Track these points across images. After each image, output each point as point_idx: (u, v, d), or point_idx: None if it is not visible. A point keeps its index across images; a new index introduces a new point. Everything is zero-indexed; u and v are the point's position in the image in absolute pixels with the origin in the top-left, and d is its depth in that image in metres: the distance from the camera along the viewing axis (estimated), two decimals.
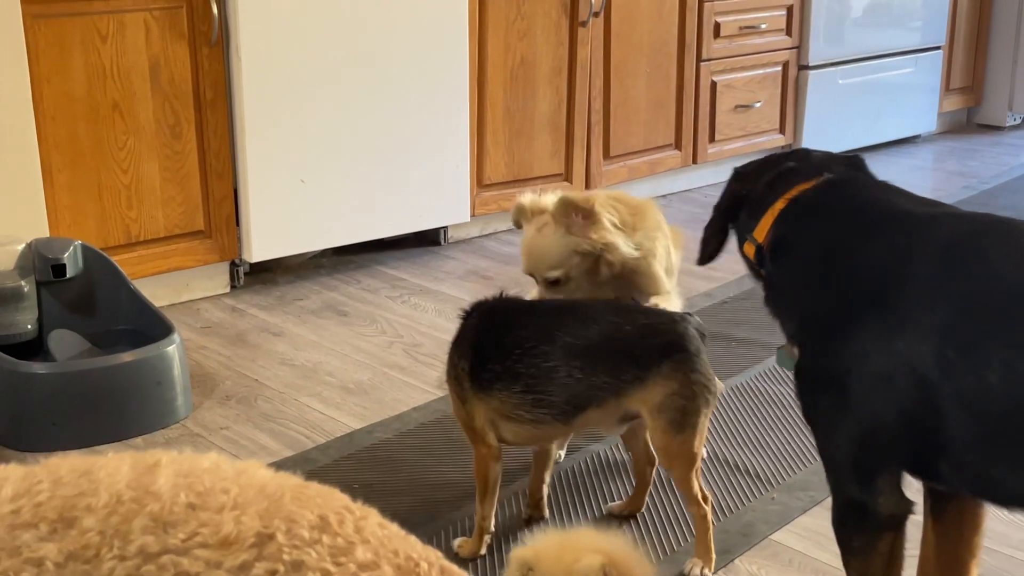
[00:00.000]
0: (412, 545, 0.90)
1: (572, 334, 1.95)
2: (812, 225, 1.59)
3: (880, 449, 1.48)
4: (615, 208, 2.19)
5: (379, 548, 0.87)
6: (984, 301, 1.39)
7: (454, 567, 0.92)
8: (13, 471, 0.89)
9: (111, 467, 0.88)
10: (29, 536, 0.81)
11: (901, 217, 1.53)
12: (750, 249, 1.65)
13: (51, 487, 0.85)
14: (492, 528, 2.09)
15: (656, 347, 1.94)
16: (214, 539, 0.83)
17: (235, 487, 0.87)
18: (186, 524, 0.83)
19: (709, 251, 1.79)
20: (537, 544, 1.45)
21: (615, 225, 2.15)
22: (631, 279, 2.20)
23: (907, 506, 1.52)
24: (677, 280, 2.38)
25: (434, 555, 0.91)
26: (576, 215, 2.12)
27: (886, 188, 1.62)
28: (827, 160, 1.70)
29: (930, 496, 1.65)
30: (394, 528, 0.92)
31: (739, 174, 1.75)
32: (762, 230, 1.62)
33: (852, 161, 1.71)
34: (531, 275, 2.21)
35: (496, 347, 1.98)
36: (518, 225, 2.27)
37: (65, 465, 0.89)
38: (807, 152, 1.74)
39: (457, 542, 2.10)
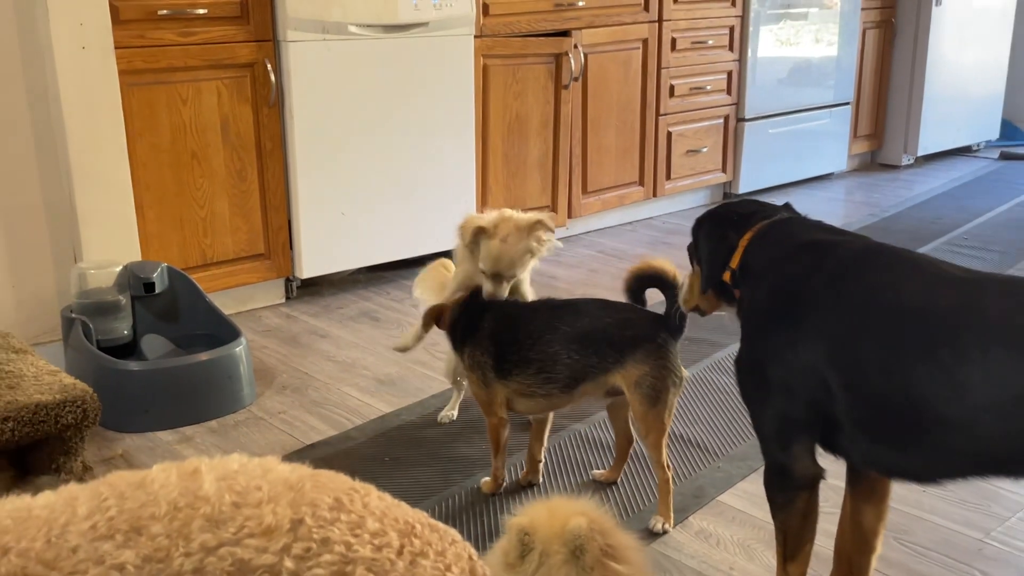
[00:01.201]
0: (405, 511, 0.92)
1: (569, 325, 2.01)
2: (761, 251, 1.63)
3: (793, 424, 1.51)
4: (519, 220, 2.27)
5: (383, 518, 0.88)
6: (862, 311, 1.42)
7: (439, 523, 0.94)
8: (80, 491, 0.88)
9: (161, 479, 0.87)
10: (109, 546, 0.81)
11: (811, 245, 1.57)
12: (727, 275, 1.66)
13: (117, 502, 0.85)
14: (505, 476, 2.17)
15: (631, 337, 1.98)
16: (259, 529, 0.83)
17: (265, 483, 0.88)
18: (234, 520, 0.84)
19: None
20: (529, 512, 1.45)
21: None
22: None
23: (818, 470, 1.55)
24: None
25: (423, 516, 0.93)
26: (541, 230, 2.20)
27: (813, 225, 1.65)
28: (772, 206, 1.74)
29: (848, 471, 1.66)
30: (388, 499, 0.93)
31: (706, 224, 1.77)
32: (736, 258, 1.64)
33: (788, 206, 1.75)
34: (496, 274, 2.18)
35: (511, 342, 2.04)
36: (473, 239, 2.21)
37: (122, 481, 0.88)
38: (758, 202, 1.77)
39: (483, 481, 2.19)
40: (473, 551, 0.93)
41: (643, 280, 2.08)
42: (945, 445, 1.33)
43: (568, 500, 1.47)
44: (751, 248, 1.62)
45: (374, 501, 0.90)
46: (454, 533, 0.94)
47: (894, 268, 1.45)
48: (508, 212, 2.23)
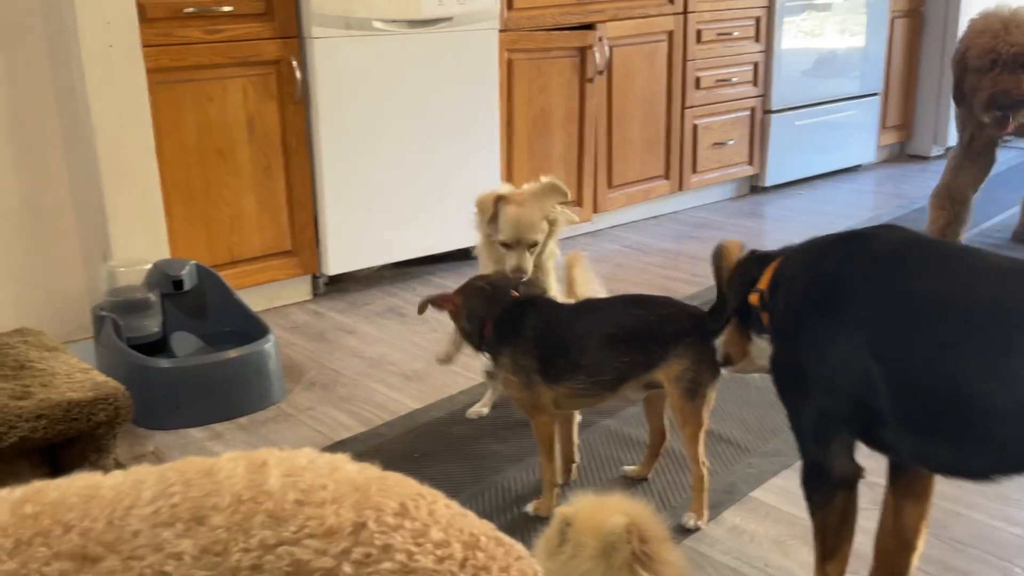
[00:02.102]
0: (471, 522, 0.89)
1: (615, 326, 1.99)
2: (792, 265, 1.60)
3: (833, 422, 1.49)
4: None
5: (448, 527, 0.85)
6: (906, 300, 1.40)
7: (505, 537, 0.90)
8: (148, 474, 0.87)
9: (228, 469, 0.86)
10: (169, 533, 0.80)
11: (846, 237, 1.56)
12: (755, 297, 1.63)
13: (183, 489, 0.84)
14: (559, 481, 2.10)
15: (672, 332, 1.97)
16: (320, 530, 0.81)
17: (331, 483, 0.86)
18: (295, 518, 0.82)
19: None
20: (578, 503, 1.44)
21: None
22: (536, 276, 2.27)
23: (857, 469, 1.53)
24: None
25: (489, 528, 0.90)
26: (555, 192, 2.21)
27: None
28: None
29: (890, 468, 1.64)
30: (456, 507, 0.90)
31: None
32: (764, 280, 1.62)
33: None
34: (516, 243, 2.19)
35: (558, 347, 1.99)
36: (491, 212, 2.22)
37: (191, 468, 0.87)
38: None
39: (531, 507, 2.08)
40: (539, 568, 0.90)
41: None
42: (999, 440, 1.30)
43: (622, 499, 1.45)
44: (781, 265, 1.60)
45: (440, 509, 0.87)
46: (520, 548, 0.90)
47: (936, 256, 1.42)
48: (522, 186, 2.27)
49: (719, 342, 1.83)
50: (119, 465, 2.12)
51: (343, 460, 0.91)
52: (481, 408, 2.53)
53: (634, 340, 1.97)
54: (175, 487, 0.83)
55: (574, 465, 2.20)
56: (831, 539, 1.57)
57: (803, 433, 1.55)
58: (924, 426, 1.38)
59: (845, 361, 1.43)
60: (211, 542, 0.80)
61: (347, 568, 0.79)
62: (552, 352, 1.98)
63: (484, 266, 2.32)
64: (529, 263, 2.18)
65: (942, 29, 5.41)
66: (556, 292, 2.31)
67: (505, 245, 2.19)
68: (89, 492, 0.83)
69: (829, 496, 1.54)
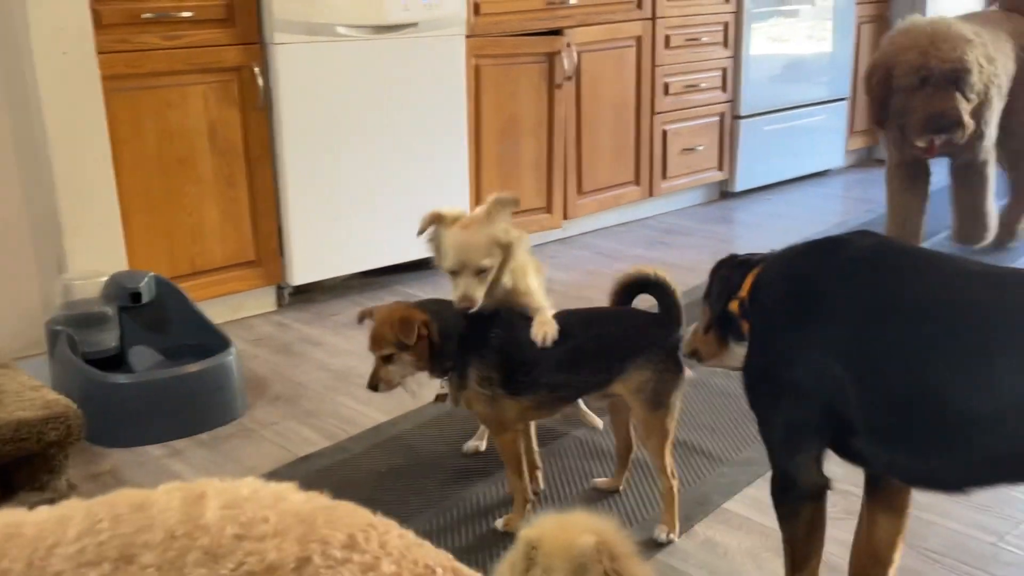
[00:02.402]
0: (427, 553, 0.83)
1: (575, 345, 1.93)
2: (769, 273, 1.57)
3: (803, 431, 1.46)
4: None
5: (400, 559, 0.80)
6: (881, 307, 1.36)
7: (464, 568, 0.85)
8: (76, 509, 0.80)
9: (163, 502, 0.80)
10: (94, 574, 0.74)
11: (821, 243, 1.52)
12: (735, 305, 1.60)
13: (111, 525, 0.77)
14: (531, 495, 2.04)
15: (631, 345, 1.93)
16: (260, 567, 0.75)
17: (274, 514, 0.80)
18: (234, 555, 0.76)
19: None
20: (542, 524, 1.38)
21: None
22: (514, 295, 2.02)
23: (824, 480, 1.50)
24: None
25: (445, 559, 0.84)
26: (504, 209, 1.96)
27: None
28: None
29: (866, 480, 1.61)
30: (411, 537, 0.84)
31: (721, 267, 1.70)
32: (745, 288, 1.58)
33: None
34: (460, 269, 1.94)
35: (520, 360, 1.92)
36: (423, 229, 2.02)
37: (122, 501, 0.80)
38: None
39: (501, 522, 2.02)
40: None
41: (631, 289, 2.03)
42: (974, 449, 1.27)
43: (586, 517, 1.40)
44: (763, 272, 1.57)
45: (393, 540, 0.82)
46: None
47: (910, 263, 1.39)
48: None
49: (685, 340, 1.80)
50: (72, 486, 2.05)
51: (289, 490, 0.85)
52: (477, 443, 2.36)
53: (593, 357, 1.93)
54: (103, 523, 0.77)
55: (538, 472, 2.15)
56: (800, 551, 1.55)
57: (773, 442, 1.52)
58: (896, 436, 1.35)
59: (816, 369, 1.40)
60: None
61: None
62: (515, 365, 1.93)
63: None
64: (478, 291, 1.93)
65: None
66: (546, 309, 2.05)
67: (452, 272, 1.96)
68: (10, 531, 0.77)
69: (796, 507, 1.52)
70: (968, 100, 3.09)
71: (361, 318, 2.01)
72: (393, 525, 0.84)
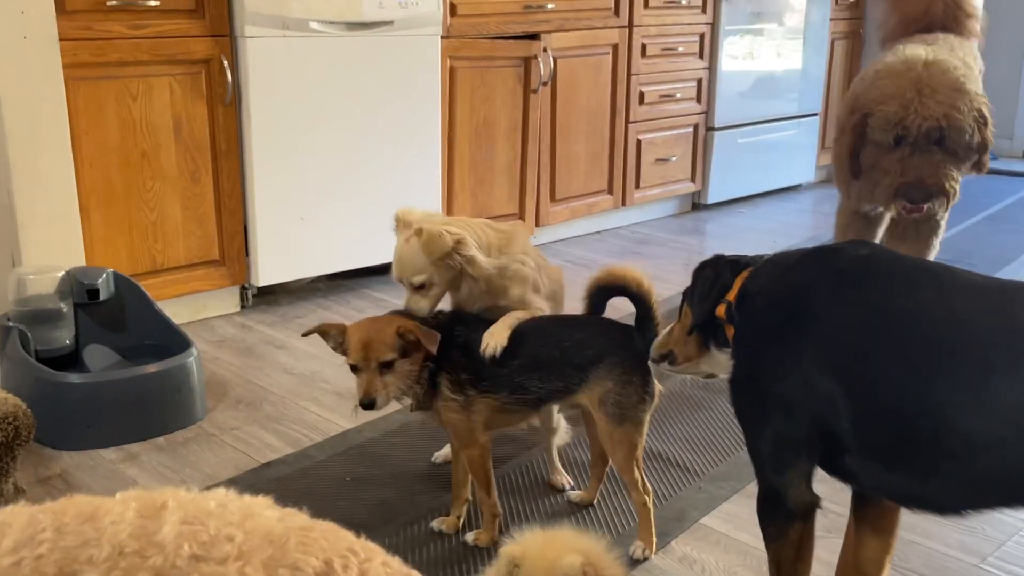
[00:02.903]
0: None
1: (532, 352, 1.86)
2: (760, 279, 1.51)
3: (792, 447, 1.39)
4: (484, 232, 1.97)
5: None
6: (875, 320, 1.31)
7: None
8: (17, 516, 0.71)
9: (116, 513, 0.71)
10: None
11: (813, 253, 1.47)
12: (722, 309, 1.54)
13: (54, 536, 0.69)
14: (500, 510, 1.96)
15: (591, 355, 1.86)
16: None
17: (240, 533, 0.71)
18: None
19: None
20: (524, 541, 1.30)
21: (479, 246, 1.93)
22: (500, 295, 1.96)
23: (813, 498, 1.43)
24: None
25: None
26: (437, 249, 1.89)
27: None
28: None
29: (854, 498, 1.55)
30: (396, 566, 0.75)
31: (706, 267, 1.63)
32: (733, 292, 1.52)
33: None
34: (399, 281, 1.94)
35: (482, 363, 1.85)
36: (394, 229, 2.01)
37: (71, 510, 0.72)
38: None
39: (471, 536, 1.94)
40: None
41: (606, 290, 1.95)
42: (970, 470, 1.21)
43: (572, 534, 1.33)
44: (751, 276, 1.51)
45: (375, 569, 0.73)
46: None
47: (906, 274, 1.34)
48: (475, 220, 2.02)
49: (657, 342, 1.72)
50: (20, 490, 1.94)
51: (263, 505, 0.76)
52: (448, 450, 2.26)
53: (550, 366, 1.86)
54: (45, 534, 0.68)
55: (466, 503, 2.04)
56: (786, 572, 1.48)
57: (761, 457, 1.46)
58: (889, 455, 1.29)
59: (807, 383, 1.34)
60: None
61: None
62: (481, 364, 1.85)
63: (411, 297, 1.97)
64: (424, 305, 1.90)
65: (880, 51, 5.45)
66: (537, 308, 2.00)
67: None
68: None
69: (784, 527, 1.45)
70: (959, 158, 2.55)
71: (322, 333, 1.84)
72: (377, 551, 0.76)
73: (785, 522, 1.45)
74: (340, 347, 1.84)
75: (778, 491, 1.43)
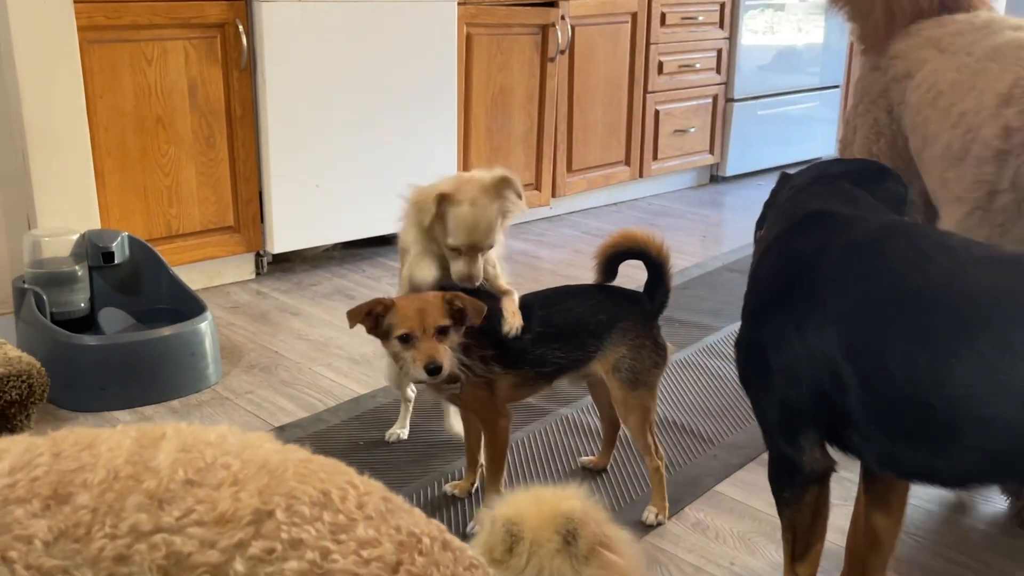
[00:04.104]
0: (415, 520, 0.73)
1: (550, 322, 1.83)
2: (771, 242, 1.46)
3: (799, 415, 1.36)
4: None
5: (381, 524, 0.70)
6: (883, 292, 1.27)
7: (455, 539, 0.75)
8: (16, 443, 0.71)
9: (114, 440, 0.71)
10: (21, 512, 0.65)
11: (821, 216, 1.41)
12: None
13: (50, 461, 0.68)
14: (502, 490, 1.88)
15: (604, 320, 1.83)
16: (209, 516, 0.66)
17: (237, 462, 0.71)
18: (182, 501, 0.67)
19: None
20: (513, 502, 1.29)
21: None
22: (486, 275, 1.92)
23: (829, 462, 1.40)
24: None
25: (436, 529, 0.74)
26: (509, 188, 1.86)
27: (832, 193, 1.48)
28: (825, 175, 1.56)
29: (863, 468, 1.53)
30: (398, 502, 0.74)
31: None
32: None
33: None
34: (472, 247, 1.84)
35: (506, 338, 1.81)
36: (432, 213, 1.83)
37: (70, 438, 0.72)
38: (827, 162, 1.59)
39: (474, 525, 1.86)
40: None
41: (623, 254, 1.90)
42: (978, 445, 1.18)
43: (554, 488, 1.32)
44: (764, 237, 1.46)
45: (374, 502, 0.72)
46: (474, 555, 0.75)
47: (920, 245, 1.30)
48: (464, 175, 1.94)
49: None
50: None
51: (263, 439, 0.76)
52: (399, 430, 2.23)
53: (568, 334, 1.83)
54: (42, 458, 0.68)
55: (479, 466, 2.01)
56: (802, 538, 1.46)
57: (768, 425, 1.43)
58: (896, 430, 1.25)
59: (812, 355, 1.30)
60: (71, 525, 0.65)
61: (240, 566, 0.65)
62: (506, 341, 1.81)
63: (416, 266, 1.91)
64: (481, 269, 1.86)
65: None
66: (514, 293, 1.94)
67: (455, 250, 1.86)
68: None
69: (799, 492, 1.42)
70: None
71: (369, 312, 1.71)
72: (378, 487, 0.75)
73: (801, 487, 1.42)
74: (378, 327, 1.72)
75: (790, 457, 1.40)
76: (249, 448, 0.72)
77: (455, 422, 2.20)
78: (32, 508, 0.65)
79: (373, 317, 1.71)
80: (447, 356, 1.69)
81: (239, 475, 0.69)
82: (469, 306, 1.72)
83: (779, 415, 1.39)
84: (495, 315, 1.83)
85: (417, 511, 0.75)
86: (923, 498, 1.97)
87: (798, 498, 1.43)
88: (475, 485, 1.99)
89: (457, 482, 2.00)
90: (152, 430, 0.73)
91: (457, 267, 1.86)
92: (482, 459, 1.98)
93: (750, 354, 1.43)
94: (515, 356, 1.83)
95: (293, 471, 0.71)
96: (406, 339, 1.68)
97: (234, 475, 0.69)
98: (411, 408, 2.24)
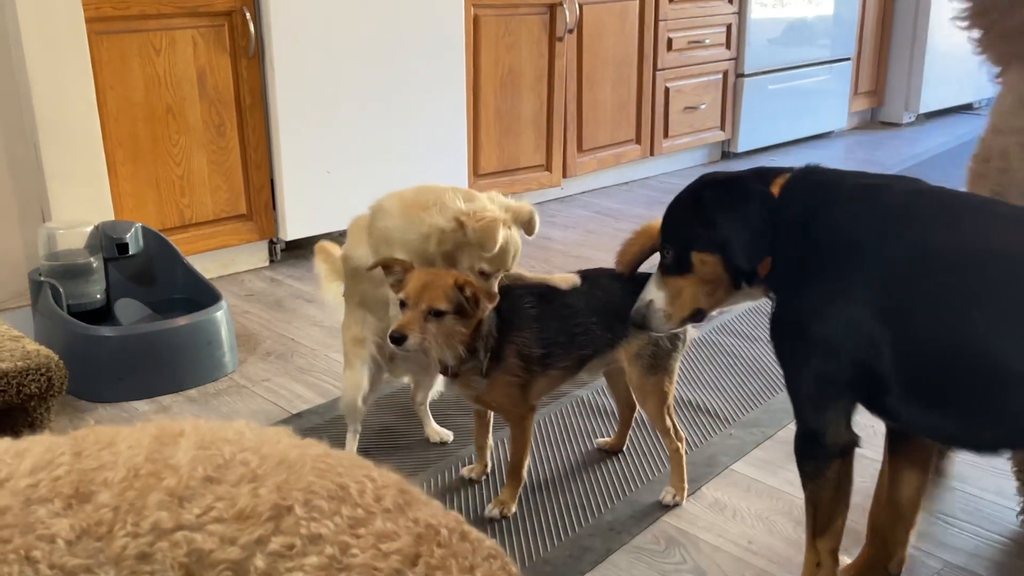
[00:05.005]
0: (433, 511, 0.73)
1: (592, 299, 1.82)
2: (798, 206, 1.40)
3: (833, 386, 1.36)
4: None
5: (399, 517, 0.70)
6: (919, 258, 1.27)
7: (473, 530, 0.75)
8: (37, 443, 0.71)
9: (133, 438, 0.71)
10: (44, 512, 0.65)
11: (855, 188, 1.40)
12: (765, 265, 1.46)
13: (71, 460, 0.69)
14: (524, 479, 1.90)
15: (631, 306, 1.80)
16: (229, 513, 0.66)
17: (255, 458, 0.70)
18: (202, 498, 0.67)
19: None
20: None
21: None
22: None
23: (852, 437, 1.40)
24: None
25: (454, 520, 0.74)
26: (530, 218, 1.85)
27: (847, 172, 1.47)
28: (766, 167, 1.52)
29: (888, 434, 1.52)
30: (416, 493, 0.74)
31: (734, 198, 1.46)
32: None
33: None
34: (501, 273, 1.83)
35: (558, 330, 1.79)
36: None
37: (91, 436, 0.72)
38: (751, 169, 1.53)
39: (494, 510, 1.85)
40: (515, 570, 0.74)
41: (648, 252, 1.83)
42: (1013, 408, 1.18)
43: None
44: (786, 203, 1.41)
45: (392, 495, 0.71)
46: (492, 545, 0.75)
47: (954, 210, 1.29)
48: (488, 196, 1.86)
49: (667, 307, 1.52)
50: None
51: (281, 434, 0.75)
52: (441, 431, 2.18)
53: (601, 320, 1.80)
54: (63, 457, 0.68)
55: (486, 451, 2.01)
56: (824, 512, 1.46)
57: (800, 397, 1.42)
58: (932, 394, 1.26)
59: (851, 322, 1.30)
60: (93, 523, 0.65)
61: (260, 561, 0.65)
62: (549, 336, 1.78)
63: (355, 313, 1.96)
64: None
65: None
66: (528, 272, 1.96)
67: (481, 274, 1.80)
68: None
69: (822, 466, 1.42)
70: None
71: (386, 266, 1.74)
72: (396, 479, 0.75)
73: (824, 461, 1.41)
74: (398, 285, 1.74)
75: (817, 430, 1.40)
76: (267, 444, 0.72)
77: (436, 430, 2.18)
78: (54, 507, 0.65)
79: (393, 272, 1.74)
80: (420, 335, 1.66)
81: (257, 471, 0.69)
82: (481, 293, 1.70)
83: (813, 387, 1.38)
84: (543, 315, 1.79)
85: (435, 502, 0.75)
86: (950, 476, 1.97)
87: (821, 472, 1.43)
88: (488, 467, 1.99)
89: (472, 465, 2.00)
90: (171, 427, 0.73)
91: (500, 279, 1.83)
92: (490, 442, 1.99)
93: (788, 327, 1.42)
94: (556, 351, 1.79)
95: (311, 466, 0.71)
96: (402, 304, 1.70)
97: (252, 471, 0.69)
98: (357, 440, 2.05)
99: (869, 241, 1.31)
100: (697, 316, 1.54)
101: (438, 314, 1.67)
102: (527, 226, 1.85)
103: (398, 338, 1.66)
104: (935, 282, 1.24)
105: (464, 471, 1.99)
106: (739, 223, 1.42)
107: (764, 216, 1.41)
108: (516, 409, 1.82)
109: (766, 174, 1.46)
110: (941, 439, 1.37)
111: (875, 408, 1.36)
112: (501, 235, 1.76)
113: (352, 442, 2.03)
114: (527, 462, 1.88)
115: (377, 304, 1.95)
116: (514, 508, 1.87)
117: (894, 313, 1.26)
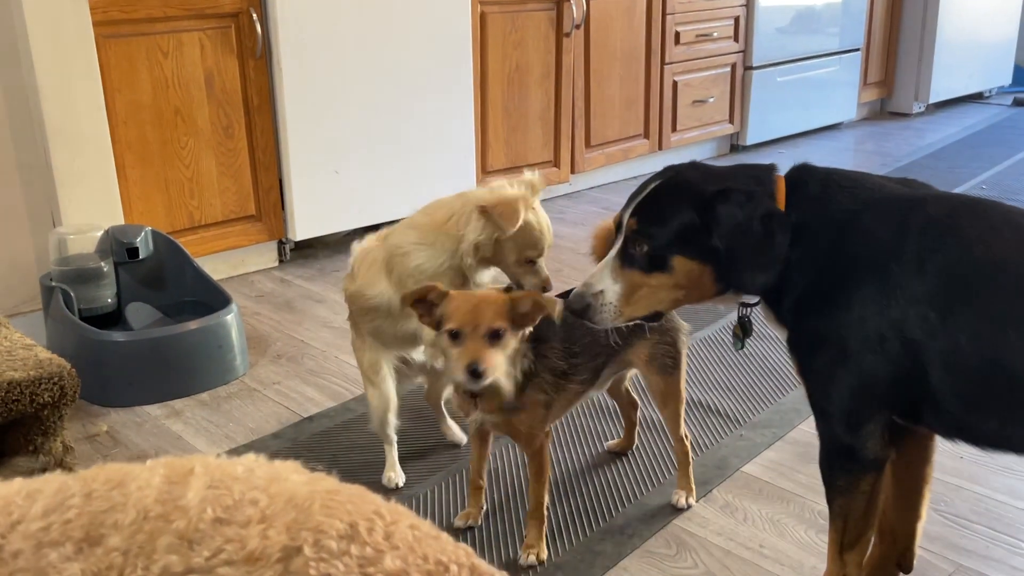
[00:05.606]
0: (442, 546, 0.73)
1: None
2: (814, 212, 1.36)
3: (873, 400, 1.33)
4: None
5: (408, 554, 0.70)
6: (958, 274, 1.26)
7: (483, 563, 0.74)
8: (48, 483, 0.72)
9: (144, 479, 0.71)
10: (55, 556, 0.65)
11: (893, 199, 1.35)
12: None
13: (82, 502, 0.69)
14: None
15: None
16: (239, 555, 0.66)
17: (264, 497, 0.71)
18: (211, 540, 0.67)
19: None
20: None
21: None
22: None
23: (889, 451, 1.38)
24: None
25: (464, 555, 0.73)
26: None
27: (857, 174, 1.45)
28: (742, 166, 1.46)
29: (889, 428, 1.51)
30: (425, 528, 0.74)
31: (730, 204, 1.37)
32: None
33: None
34: (537, 256, 1.82)
35: (576, 341, 1.72)
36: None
37: (101, 475, 0.72)
38: (725, 167, 1.49)
39: (525, 558, 1.72)
40: None
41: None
42: None
43: None
44: (796, 209, 1.35)
45: (401, 531, 0.72)
46: None
47: (997, 222, 1.28)
48: (496, 185, 1.87)
49: (610, 286, 1.38)
50: (68, 448, 1.97)
51: (290, 469, 0.76)
52: (392, 474, 2.01)
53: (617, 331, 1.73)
54: (74, 499, 0.68)
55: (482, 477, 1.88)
56: (853, 527, 1.42)
57: (832, 413, 1.37)
58: (972, 403, 1.26)
59: (891, 338, 1.28)
60: (104, 567, 0.65)
61: None
62: (575, 350, 1.72)
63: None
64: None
65: None
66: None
67: (529, 262, 1.81)
68: None
69: (856, 480, 1.38)
70: None
71: (421, 297, 1.57)
72: (405, 514, 0.75)
73: (859, 475, 1.38)
74: (430, 315, 1.57)
75: (851, 445, 1.36)
76: (276, 481, 0.73)
77: (452, 428, 2.16)
78: (66, 551, 0.66)
79: (427, 304, 1.57)
80: (494, 363, 1.51)
81: (267, 511, 0.69)
82: (537, 307, 1.55)
83: (848, 403, 1.35)
84: (572, 328, 1.68)
85: (444, 536, 0.75)
86: (954, 474, 1.96)
87: (854, 486, 1.39)
88: (484, 509, 1.88)
89: (467, 511, 1.86)
90: (181, 465, 0.73)
91: (532, 281, 1.82)
92: (483, 482, 1.87)
93: (815, 343, 1.37)
94: (578, 369, 1.73)
95: (320, 504, 0.71)
96: (455, 335, 1.52)
97: (262, 511, 0.69)
98: (395, 450, 2.02)
99: (907, 256, 1.29)
100: (654, 318, 1.42)
101: (497, 335, 1.52)
102: (532, 188, 1.85)
103: (476, 372, 1.49)
104: (983, 296, 1.24)
105: (458, 521, 1.85)
106: (754, 241, 1.32)
107: (782, 233, 1.33)
108: (537, 434, 1.70)
109: (760, 175, 1.38)
110: (978, 443, 1.35)
111: (912, 417, 1.35)
112: (523, 208, 1.74)
113: (391, 453, 2.02)
114: (544, 497, 1.74)
115: (395, 340, 1.92)
116: (545, 551, 1.74)
117: (939, 325, 1.26)
